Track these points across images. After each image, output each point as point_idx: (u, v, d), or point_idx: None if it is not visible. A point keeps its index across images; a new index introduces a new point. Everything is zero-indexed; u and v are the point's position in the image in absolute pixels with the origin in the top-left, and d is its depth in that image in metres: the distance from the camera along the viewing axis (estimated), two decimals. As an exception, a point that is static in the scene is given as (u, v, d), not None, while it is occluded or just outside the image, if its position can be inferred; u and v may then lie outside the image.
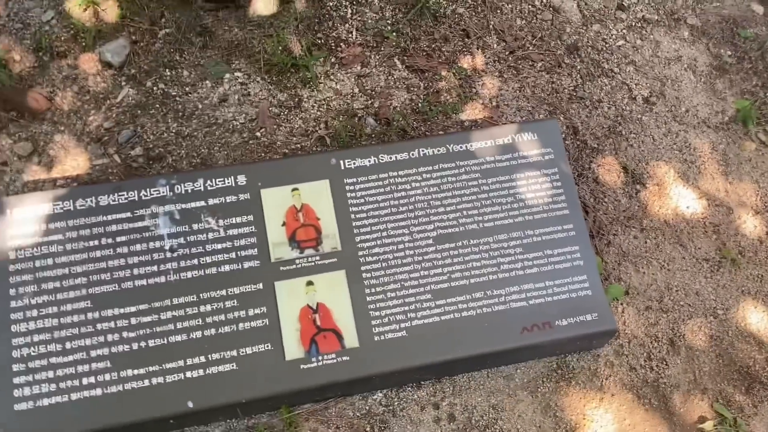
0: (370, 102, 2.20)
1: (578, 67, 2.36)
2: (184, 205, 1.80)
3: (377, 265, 1.82)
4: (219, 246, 1.78)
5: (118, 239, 1.75)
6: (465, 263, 1.85)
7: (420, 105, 2.22)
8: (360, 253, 1.82)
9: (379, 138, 2.14)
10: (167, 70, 2.16)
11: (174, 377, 1.66)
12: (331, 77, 2.23)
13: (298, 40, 2.24)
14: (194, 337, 1.70)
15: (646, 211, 2.17)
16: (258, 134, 2.11)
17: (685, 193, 2.21)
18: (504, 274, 1.85)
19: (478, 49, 2.34)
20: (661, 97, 2.36)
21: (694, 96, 2.39)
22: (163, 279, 1.73)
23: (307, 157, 1.96)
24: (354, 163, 1.90)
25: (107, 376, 1.65)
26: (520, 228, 1.90)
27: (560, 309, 1.83)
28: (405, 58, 2.29)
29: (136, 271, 1.73)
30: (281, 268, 1.78)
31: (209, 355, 1.69)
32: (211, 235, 1.79)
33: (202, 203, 1.81)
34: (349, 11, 2.33)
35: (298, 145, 2.11)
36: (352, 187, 1.88)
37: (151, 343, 1.68)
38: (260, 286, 1.76)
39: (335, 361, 1.72)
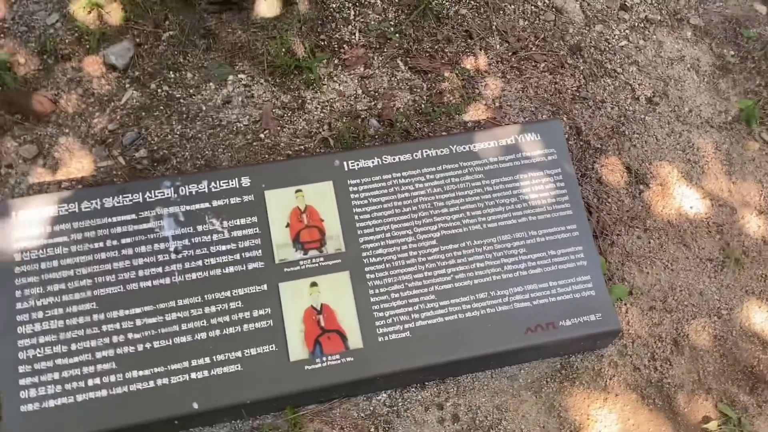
0: (373, 103, 2.21)
1: (581, 68, 2.37)
2: (188, 207, 1.81)
3: (381, 266, 1.82)
4: (223, 247, 1.79)
5: (123, 241, 1.76)
6: (468, 264, 1.85)
7: (423, 106, 2.22)
8: (364, 254, 1.82)
9: (382, 139, 2.15)
10: (171, 72, 2.17)
11: (179, 378, 1.67)
12: (335, 79, 2.23)
13: (302, 42, 2.25)
14: (199, 338, 1.71)
15: (650, 211, 2.17)
16: (262, 136, 2.12)
17: (689, 193, 2.21)
18: (507, 275, 1.85)
19: (480, 49, 2.34)
20: (664, 97, 2.36)
21: (697, 96, 2.39)
22: (167, 280, 1.74)
23: (310, 158, 1.97)
24: (357, 165, 1.91)
25: (113, 378, 1.66)
26: (523, 228, 1.90)
27: (564, 309, 1.84)
28: (408, 59, 2.29)
29: (141, 273, 1.74)
30: (285, 269, 1.79)
31: (214, 356, 1.69)
32: (215, 237, 1.79)
33: (207, 205, 1.82)
34: (352, 13, 2.34)
35: (302, 147, 2.12)
36: (355, 189, 1.88)
37: (156, 344, 1.69)
38: (264, 287, 1.77)
39: (339, 361, 1.73)
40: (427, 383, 1.89)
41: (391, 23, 2.34)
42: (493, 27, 2.39)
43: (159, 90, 2.15)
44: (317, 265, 1.80)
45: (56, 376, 1.64)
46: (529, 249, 1.88)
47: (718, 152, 2.30)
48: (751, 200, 2.24)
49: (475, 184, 1.93)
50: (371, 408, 1.85)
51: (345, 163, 1.91)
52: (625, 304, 2.04)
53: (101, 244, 1.75)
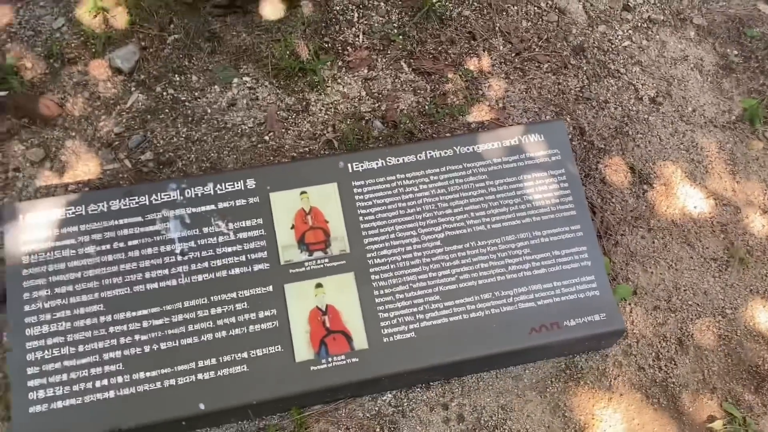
0: (377, 105, 2.22)
1: (584, 68, 2.37)
2: (194, 209, 1.82)
3: (385, 266, 1.83)
4: (229, 249, 1.80)
5: (130, 243, 1.77)
6: (473, 264, 1.86)
7: (427, 107, 2.23)
8: (368, 255, 1.83)
9: (386, 141, 2.16)
10: (176, 75, 2.19)
11: (185, 379, 1.68)
12: (339, 81, 2.24)
13: (306, 45, 2.26)
14: (205, 339, 1.72)
15: (654, 211, 2.18)
16: (266, 138, 2.13)
17: (693, 193, 2.22)
18: (512, 275, 1.86)
19: (484, 51, 2.35)
20: (667, 97, 2.36)
21: (700, 95, 2.39)
22: (174, 282, 1.75)
23: (315, 160, 1.98)
24: (362, 166, 1.92)
25: (120, 379, 1.67)
26: (527, 229, 1.91)
27: (568, 309, 1.84)
28: (411, 60, 2.30)
29: (147, 275, 1.75)
30: (290, 270, 1.80)
31: (220, 357, 1.70)
32: (221, 239, 1.81)
33: (212, 207, 1.83)
34: (356, 15, 2.35)
35: (306, 149, 2.13)
36: (360, 190, 1.89)
37: (162, 345, 1.70)
38: (270, 288, 1.78)
39: (345, 362, 1.74)
40: (432, 383, 1.90)
41: (395, 25, 2.35)
42: (497, 28, 2.40)
43: (164, 93, 2.16)
44: (322, 266, 1.81)
45: (64, 377, 1.65)
46: (534, 249, 1.89)
47: (721, 152, 2.30)
48: (755, 199, 2.24)
49: (479, 184, 1.94)
50: (377, 408, 1.86)
51: (349, 164, 1.92)
52: (630, 304, 2.04)
53: (108, 247, 1.76)
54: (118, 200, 1.81)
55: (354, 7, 2.36)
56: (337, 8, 2.35)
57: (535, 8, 2.46)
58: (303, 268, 1.80)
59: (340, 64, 2.27)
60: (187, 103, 2.16)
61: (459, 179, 1.94)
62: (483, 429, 1.86)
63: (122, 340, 1.69)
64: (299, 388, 1.71)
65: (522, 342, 1.81)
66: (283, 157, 2.11)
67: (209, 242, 1.80)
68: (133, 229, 1.79)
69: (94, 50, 2.17)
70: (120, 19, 2.22)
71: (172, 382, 1.68)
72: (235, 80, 2.20)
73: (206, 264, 1.78)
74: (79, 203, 1.80)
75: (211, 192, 1.85)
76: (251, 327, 1.74)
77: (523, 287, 1.85)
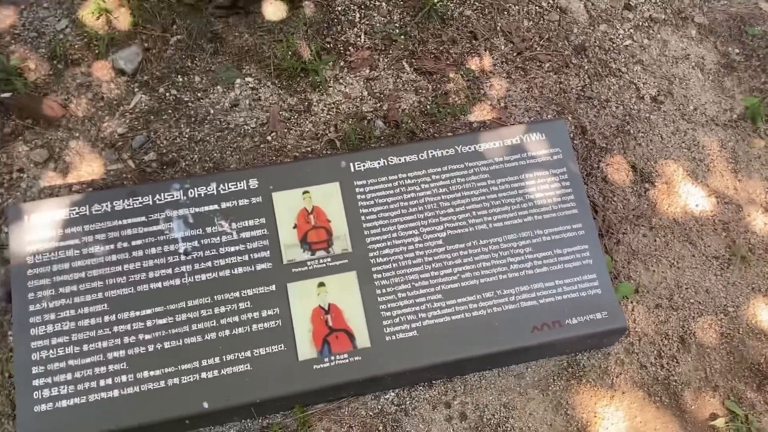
0: (379, 105, 2.23)
1: (586, 67, 2.37)
2: (197, 209, 1.83)
3: (388, 266, 1.84)
4: (232, 249, 1.81)
5: (134, 243, 1.78)
6: (475, 263, 1.86)
7: (428, 107, 2.24)
8: (371, 254, 1.84)
9: (388, 140, 2.17)
10: (179, 76, 2.20)
11: (189, 378, 1.69)
12: (340, 81, 2.25)
13: (308, 45, 2.27)
14: (209, 338, 1.73)
15: (656, 209, 2.18)
16: (269, 138, 2.14)
17: (694, 191, 2.22)
18: (514, 274, 1.86)
19: (485, 50, 2.35)
20: (669, 95, 2.37)
21: (702, 94, 2.39)
22: (177, 282, 1.76)
23: (317, 160, 1.99)
24: (364, 166, 1.93)
25: (124, 378, 1.68)
26: (529, 228, 1.92)
27: (570, 308, 1.85)
28: (413, 60, 2.31)
29: (151, 275, 1.76)
30: (293, 269, 1.80)
31: (224, 356, 1.71)
32: (224, 238, 1.81)
33: (215, 207, 1.84)
34: (358, 15, 2.36)
35: (309, 149, 2.14)
36: (362, 189, 1.90)
37: (166, 344, 1.71)
38: (273, 287, 1.79)
39: (347, 361, 1.74)
40: (434, 382, 1.91)
41: (396, 25, 2.36)
42: (498, 28, 2.40)
43: (167, 94, 2.17)
44: (325, 265, 1.82)
45: (69, 376, 1.67)
46: (535, 248, 1.90)
47: (723, 150, 2.31)
48: (757, 197, 2.24)
49: (481, 184, 1.94)
50: (379, 407, 1.87)
51: (351, 164, 1.93)
52: (632, 302, 2.04)
53: (112, 246, 1.77)
54: (121, 200, 1.82)
55: (355, 7, 2.37)
56: (339, 9, 2.36)
57: (537, 7, 2.46)
58: (305, 268, 1.81)
59: (342, 64, 2.28)
60: (190, 104, 2.17)
61: (461, 178, 1.94)
62: (485, 427, 1.86)
63: (126, 340, 1.70)
64: (302, 386, 1.72)
65: (524, 340, 1.81)
66: (286, 157, 2.12)
67: (212, 242, 1.81)
68: (137, 229, 1.80)
69: (97, 51, 2.19)
70: (123, 20, 2.23)
71: (176, 381, 1.69)
72: (238, 81, 2.21)
73: (209, 263, 1.79)
74: (82, 203, 1.81)
75: (214, 192, 1.86)
76: (254, 326, 1.75)
77: (525, 286, 1.85)
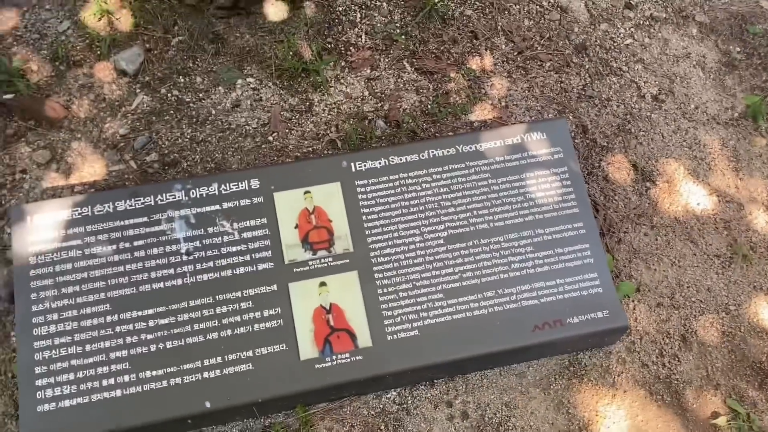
0: (379, 105, 2.23)
1: (587, 66, 2.38)
2: (199, 209, 1.84)
3: (389, 265, 1.84)
4: (234, 249, 1.81)
5: (136, 243, 1.79)
6: (476, 262, 1.87)
7: (429, 107, 2.24)
8: (372, 253, 1.84)
9: (389, 140, 2.17)
10: (181, 76, 2.20)
11: (191, 378, 1.70)
12: (341, 81, 2.26)
13: (309, 45, 2.27)
14: (211, 338, 1.73)
15: (657, 208, 2.18)
16: (270, 138, 2.15)
17: (696, 190, 2.22)
18: (515, 273, 1.87)
19: (486, 50, 2.36)
20: (670, 94, 2.37)
21: (703, 93, 2.39)
22: (179, 282, 1.77)
23: (318, 160, 1.99)
24: (365, 166, 1.93)
25: (126, 378, 1.68)
26: (530, 227, 1.92)
27: (571, 307, 1.85)
28: (414, 60, 2.31)
29: (153, 275, 1.77)
30: (295, 269, 1.81)
31: (226, 356, 1.72)
32: (226, 238, 1.82)
33: (217, 207, 1.85)
34: (358, 15, 2.36)
35: (310, 149, 2.15)
36: (363, 189, 1.90)
37: (168, 344, 1.72)
38: (274, 287, 1.79)
39: (349, 360, 1.75)
40: (436, 381, 1.91)
41: (397, 25, 2.36)
42: (499, 27, 2.41)
43: (169, 94, 2.18)
44: (326, 265, 1.82)
45: (71, 376, 1.67)
46: (536, 247, 1.90)
47: (724, 149, 2.30)
48: (759, 196, 2.24)
49: (482, 183, 1.95)
50: (381, 406, 1.87)
51: (352, 164, 1.93)
52: (633, 301, 2.05)
53: (114, 247, 1.78)
54: (123, 201, 1.83)
55: (356, 7, 2.37)
56: (340, 9, 2.36)
57: (537, 7, 2.46)
58: (307, 267, 1.81)
59: (342, 64, 2.28)
60: (191, 105, 2.17)
61: (462, 178, 1.94)
62: (487, 426, 1.87)
63: (128, 340, 1.71)
64: (304, 386, 1.73)
65: (525, 339, 1.81)
66: (287, 157, 2.12)
67: (214, 242, 1.81)
68: (139, 230, 1.80)
69: (99, 53, 2.19)
70: (124, 21, 2.23)
71: (178, 380, 1.69)
72: (239, 81, 2.22)
73: (211, 263, 1.79)
74: (85, 204, 1.81)
75: (216, 192, 1.86)
76: (256, 326, 1.75)
77: (526, 285, 1.86)
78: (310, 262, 1.82)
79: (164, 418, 1.67)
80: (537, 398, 1.91)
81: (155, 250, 1.79)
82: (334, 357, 1.74)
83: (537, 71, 2.34)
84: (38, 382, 1.66)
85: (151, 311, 1.74)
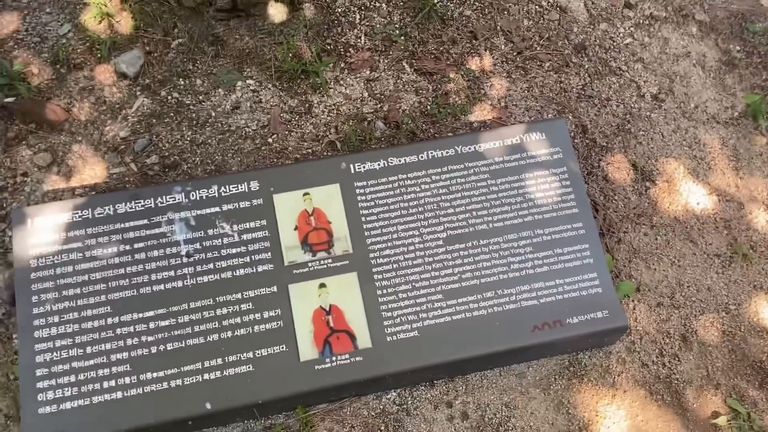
0: (379, 106, 2.23)
1: (586, 66, 2.38)
2: (199, 212, 1.85)
3: (388, 266, 1.84)
4: (234, 250, 1.82)
5: (136, 246, 1.80)
6: (475, 263, 1.87)
7: (429, 107, 2.24)
8: (371, 255, 1.85)
9: (388, 141, 2.17)
10: (181, 79, 2.21)
11: (192, 379, 1.70)
12: (341, 82, 2.26)
13: (308, 47, 2.28)
14: (211, 339, 1.74)
15: (656, 208, 2.18)
16: (270, 140, 2.15)
17: (696, 189, 2.22)
18: (514, 273, 1.87)
19: (485, 50, 2.36)
20: (669, 93, 2.37)
21: (703, 92, 2.39)
22: (180, 284, 1.78)
23: (317, 161, 1.99)
24: (364, 167, 1.93)
25: (127, 380, 1.69)
26: (529, 227, 1.92)
27: (571, 307, 1.85)
28: (413, 61, 2.32)
29: (153, 277, 1.77)
30: (294, 271, 1.82)
31: (226, 357, 1.73)
32: (225, 240, 1.83)
33: (217, 209, 1.85)
34: (358, 17, 2.37)
35: (309, 150, 2.15)
36: (362, 191, 1.91)
37: (169, 346, 1.72)
38: (274, 289, 1.80)
39: (349, 361, 1.75)
40: (436, 382, 1.91)
41: (396, 26, 2.36)
42: (498, 27, 2.41)
43: (169, 97, 2.18)
44: (326, 266, 1.83)
45: (72, 378, 1.68)
46: (536, 247, 1.90)
47: (724, 148, 2.30)
48: (759, 195, 2.24)
49: (481, 184, 1.95)
50: (381, 406, 1.88)
51: (352, 165, 1.93)
52: (633, 301, 2.05)
53: (114, 249, 1.79)
54: (124, 203, 1.84)
55: (355, 8, 2.38)
56: (339, 10, 2.36)
57: (537, 7, 2.46)
58: (307, 269, 1.82)
59: (342, 65, 2.29)
60: (191, 107, 2.18)
61: (461, 179, 1.95)
62: (487, 426, 1.87)
63: (129, 342, 1.72)
64: (304, 387, 1.73)
65: (525, 340, 1.82)
66: (287, 159, 2.13)
67: (214, 244, 1.82)
68: (139, 232, 1.81)
69: (99, 55, 2.20)
70: (125, 24, 2.24)
71: (179, 382, 1.70)
72: (239, 83, 2.22)
73: (211, 265, 1.80)
74: (85, 207, 1.82)
75: (216, 194, 1.87)
76: (256, 327, 1.76)
77: (526, 285, 1.86)
78: (309, 264, 1.82)
79: (165, 419, 1.68)
80: (537, 398, 1.92)
81: (155, 252, 1.80)
82: (333, 358, 1.75)
83: (536, 71, 2.34)
84: (39, 384, 1.67)
85: (151, 313, 1.74)
